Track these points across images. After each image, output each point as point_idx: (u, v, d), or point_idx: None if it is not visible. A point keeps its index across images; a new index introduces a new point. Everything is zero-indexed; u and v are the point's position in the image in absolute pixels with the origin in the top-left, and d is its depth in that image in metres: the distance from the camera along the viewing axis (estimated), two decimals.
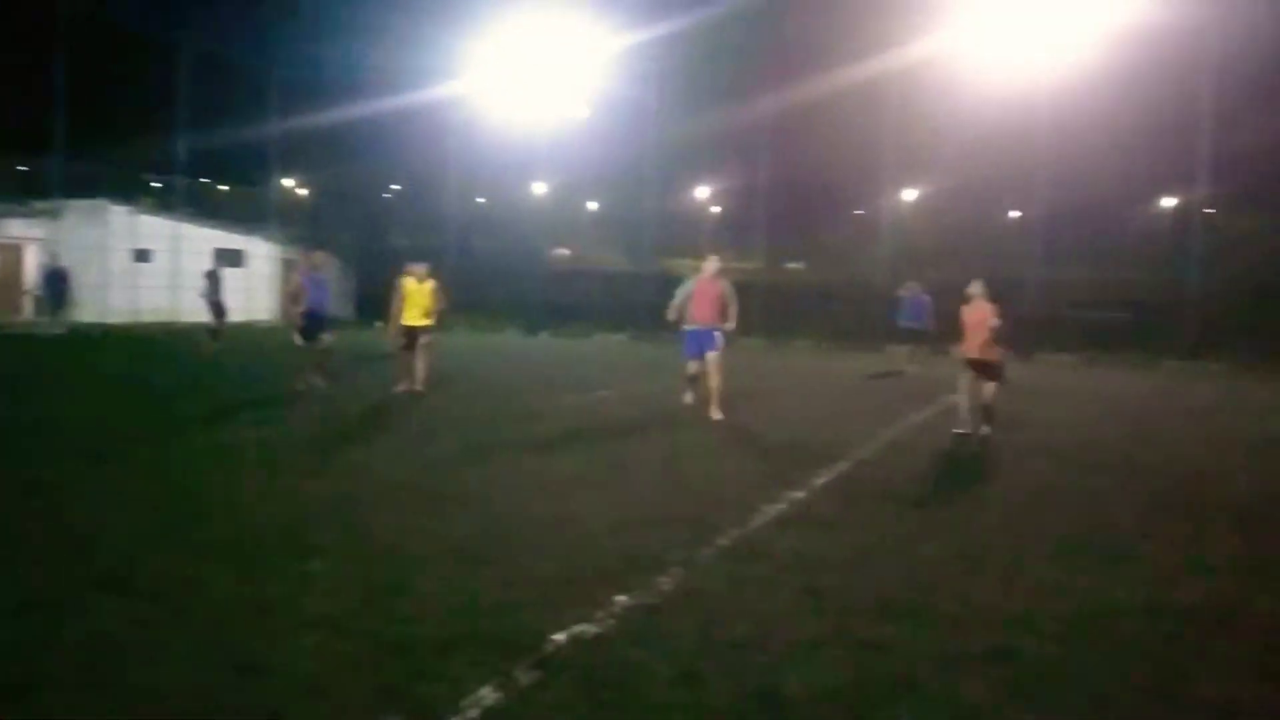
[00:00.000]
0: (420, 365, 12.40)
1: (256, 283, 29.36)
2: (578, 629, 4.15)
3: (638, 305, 26.32)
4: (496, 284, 30.74)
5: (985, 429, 10.13)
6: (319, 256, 14.05)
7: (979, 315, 10.28)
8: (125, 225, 27.31)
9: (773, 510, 6.47)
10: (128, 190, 29.52)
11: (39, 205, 26.42)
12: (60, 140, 26.13)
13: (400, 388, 12.36)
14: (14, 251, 27.32)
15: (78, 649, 3.82)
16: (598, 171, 41.27)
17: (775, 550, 5.52)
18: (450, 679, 3.63)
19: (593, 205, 52.75)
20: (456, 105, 31.89)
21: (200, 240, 27.36)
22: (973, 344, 10.33)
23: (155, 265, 27.40)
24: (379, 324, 20.35)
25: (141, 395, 12.64)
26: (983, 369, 10.32)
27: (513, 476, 7.48)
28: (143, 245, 27.41)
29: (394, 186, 49.79)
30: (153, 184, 33.94)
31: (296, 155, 36.14)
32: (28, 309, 25.69)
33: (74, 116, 26.52)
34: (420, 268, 12.88)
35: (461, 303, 28.83)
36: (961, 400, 10.47)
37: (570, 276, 35.63)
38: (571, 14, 29.30)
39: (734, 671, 3.77)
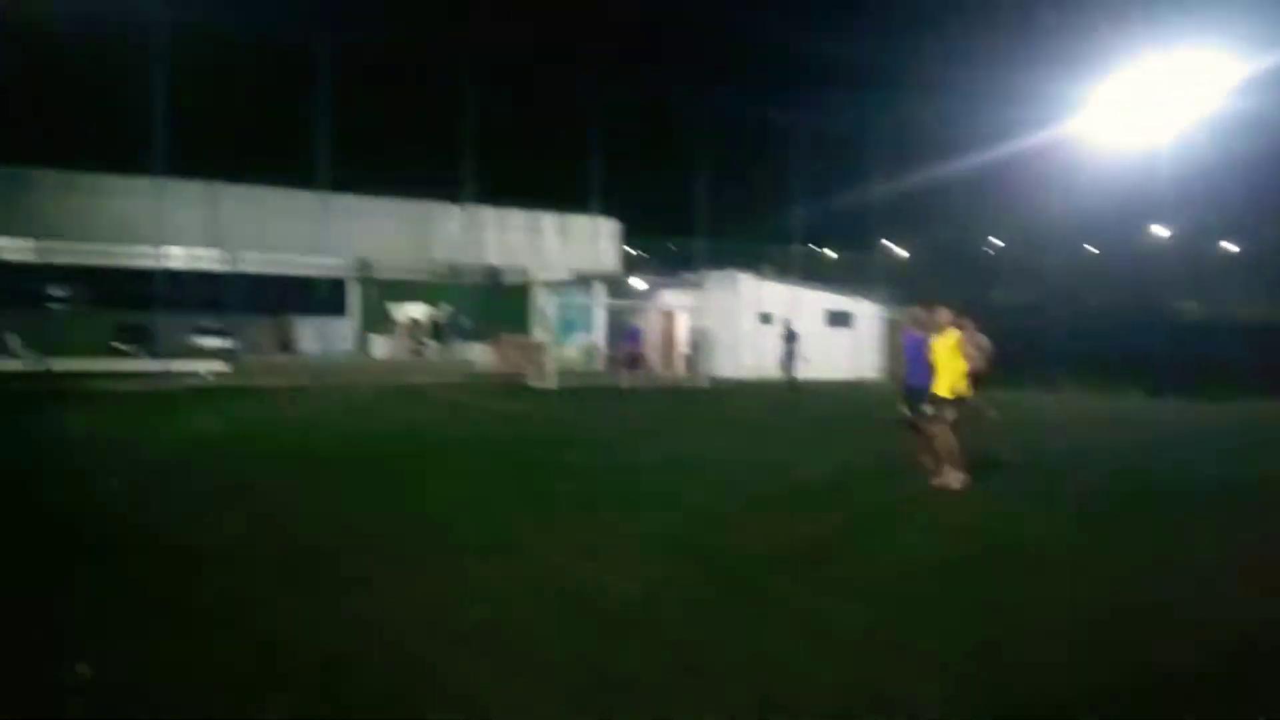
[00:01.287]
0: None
1: (864, 342, 31.14)
2: None
3: None
4: (1111, 340, 28.26)
5: None
6: (918, 313, 13.93)
7: None
8: (751, 291, 31.23)
9: None
10: (753, 260, 33.79)
11: (687, 277, 31.63)
12: (701, 222, 30.98)
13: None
14: (669, 318, 33.09)
15: None
16: (1237, 209, 35.68)
17: None
18: None
19: (1230, 247, 45.53)
20: (1060, 149, 30.38)
21: (812, 303, 30.02)
22: None
23: (776, 327, 30.83)
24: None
25: (765, 432, 14.25)
26: None
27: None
28: (765, 309, 31.03)
29: (995, 240, 48.93)
30: (772, 253, 38.27)
31: (897, 217, 37.77)
32: (679, 367, 30.77)
33: (711, 199, 31.31)
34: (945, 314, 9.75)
35: (1072, 360, 27.33)
36: None
37: (1202, 331, 31.16)
38: (1187, 30, 25.93)
39: None
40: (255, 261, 30.48)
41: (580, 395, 21.10)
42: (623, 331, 22.11)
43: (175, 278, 29.28)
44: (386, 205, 27.71)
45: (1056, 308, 28.74)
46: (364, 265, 34.26)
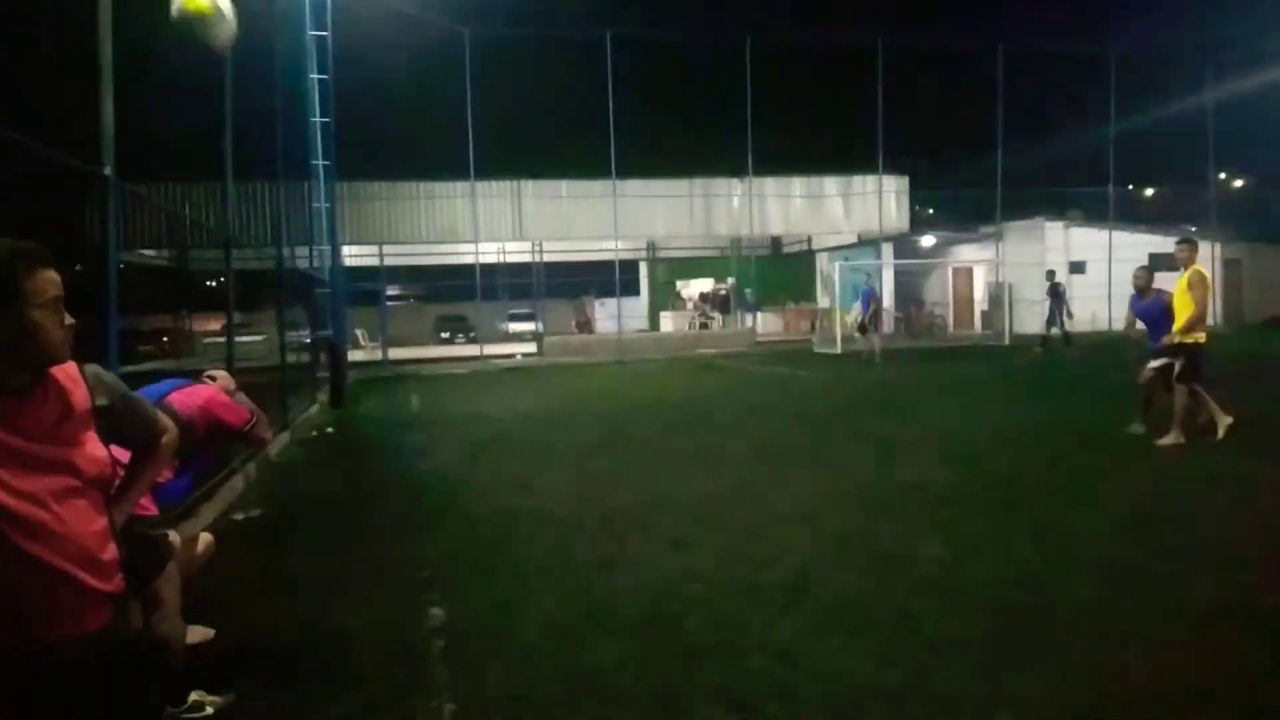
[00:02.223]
0: (1180, 402, 8.45)
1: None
2: None
3: None
4: None
5: None
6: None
7: None
8: (1059, 239, 28.69)
9: None
10: (1060, 206, 30.94)
11: (984, 230, 29.65)
12: (998, 170, 28.77)
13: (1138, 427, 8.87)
14: (965, 274, 31.24)
15: None
16: None
17: None
18: None
19: None
20: None
21: (1133, 247, 27.04)
22: None
23: (1089, 276, 28.08)
24: None
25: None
26: None
27: None
28: (1076, 257, 28.37)
29: None
30: (1081, 197, 34.85)
31: (1230, 145, 32.87)
32: (978, 323, 29.00)
33: (1009, 146, 28.98)
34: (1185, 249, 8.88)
35: None
36: None
37: None
38: None
39: None
40: (556, 250, 32.65)
41: (864, 359, 20.50)
42: (860, 293, 20.99)
43: (488, 270, 32.07)
44: (671, 186, 28.47)
45: None
46: (652, 246, 35.54)
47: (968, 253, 30.62)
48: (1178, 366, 8.48)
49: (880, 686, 3.65)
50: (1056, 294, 21.55)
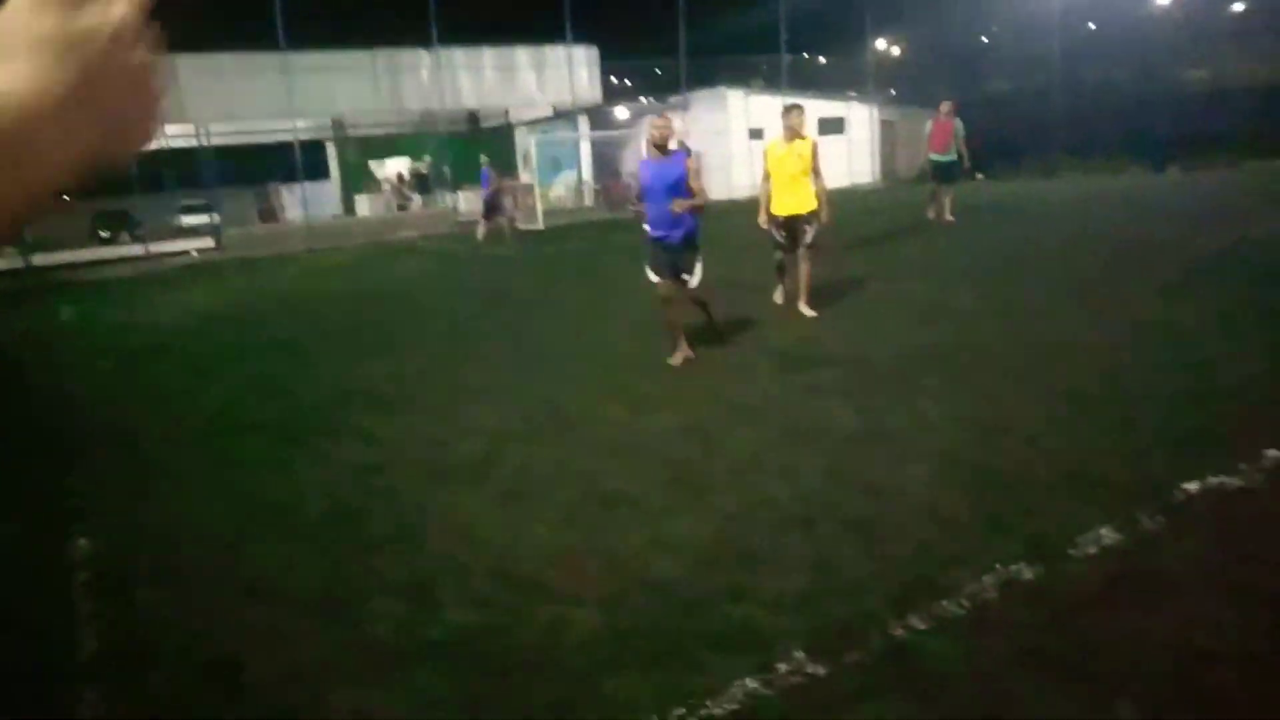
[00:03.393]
0: (803, 275, 8.10)
1: (857, 149, 30.29)
2: (1215, 480, 3.76)
3: None
4: (1112, 121, 27.32)
5: None
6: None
7: None
8: (740, 107, 30.13)
9: None
10: (740, 75, 32.39)
11: (671, 100, 30.48)
12: (683, 43, 29.46)
13: (776, 297, 8.52)
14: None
15: None
16: None
17: None
18: (1063, 517, 3.60)
19: (1238, 7, 43.25)
20: None
21: (808, 111, 29.00)
22: None
23: (768, 140, 29.92)
24: (979, 176, 19.70)
25: None
26: None
27: (1132, 323, 6.81)
28: (755, 124, 30.02)
29: (993, 29, 46.66)
30: (759, 64, 36.68)
31: (888, 16, 35.87)
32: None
33: (692, 19, 29.70)
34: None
35: (1072, 145, 26.47)
36: None
37: (1206, 100, 30.02)
38: None
39: None
40: (226, 133, 29.52)
41: (567, 234, 20.73)
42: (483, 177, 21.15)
43: (149, 158, 28.41)
44: (353, 58, 26.43)
45: (1056, 92, 27.61)
46: (338, 124, 33.12)
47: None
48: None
49: (554, 547, 3.75)
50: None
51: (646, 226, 6.63)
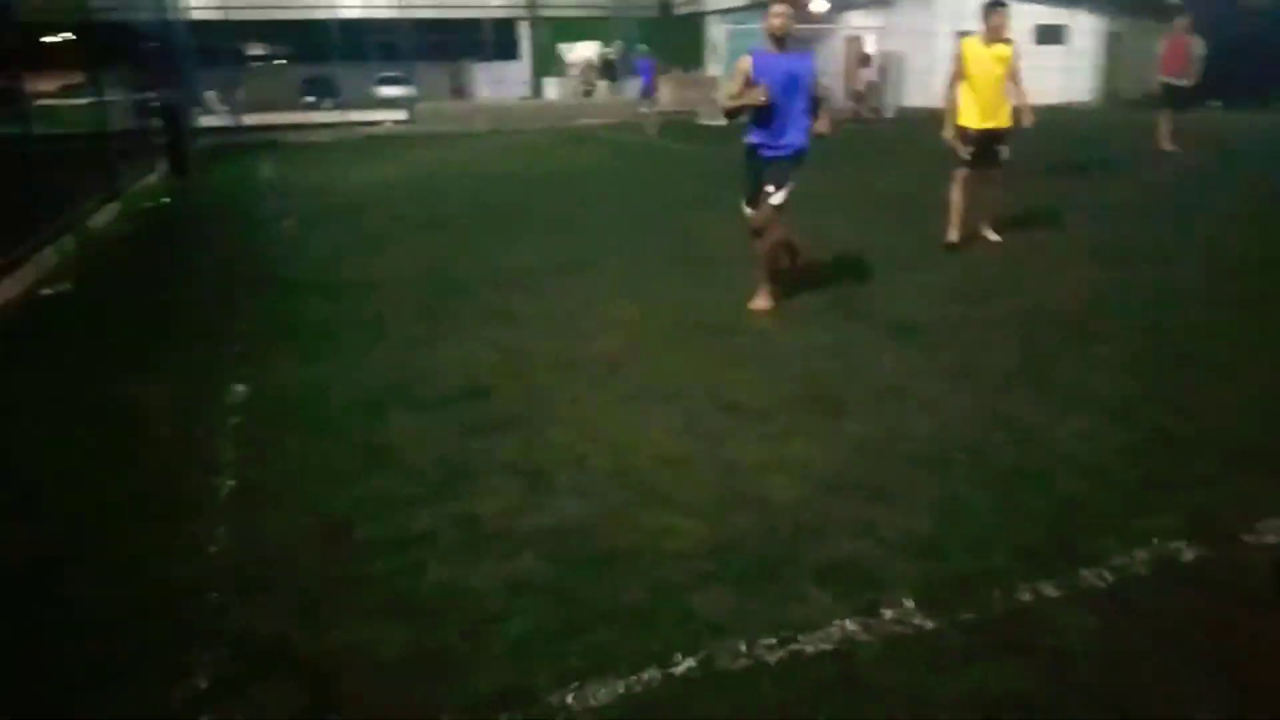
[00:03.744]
0: (991, 197, 7.36)
1: (1077, 62, 27.59)
2: None
3: None
4: None
5: None
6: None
7: None
8: (949, 6, 27.90)
9: None
10: None
11: None
12: None
13: (951, 236, 7.25)
14: (857, 43, 30.35)
15: None
16: None
17: None
18: (1244, 493, 3.17)
19: None
20: None
21: (1020, 17, 26.54)
22: None
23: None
24: (1216, 103, 17.56)
25: None
26: None
27: None
28: (965, 26, 27.82)
29: None
30: None
31: None
32: (865, 98, 28.56)
33: None
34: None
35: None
36: None
37: None
38: None
39: None
40: (426, 5, 30.10)
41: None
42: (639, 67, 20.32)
43: (353, 29, 29.45)
44: None
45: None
46: (532, 4, 33.15)
47: (858, 19, 29.60)
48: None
49: (670, 455, 3.65)
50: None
51: (749, 138, 5.56)
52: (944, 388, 4.31)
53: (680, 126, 21.46)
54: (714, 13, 32.08)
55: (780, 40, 5.35)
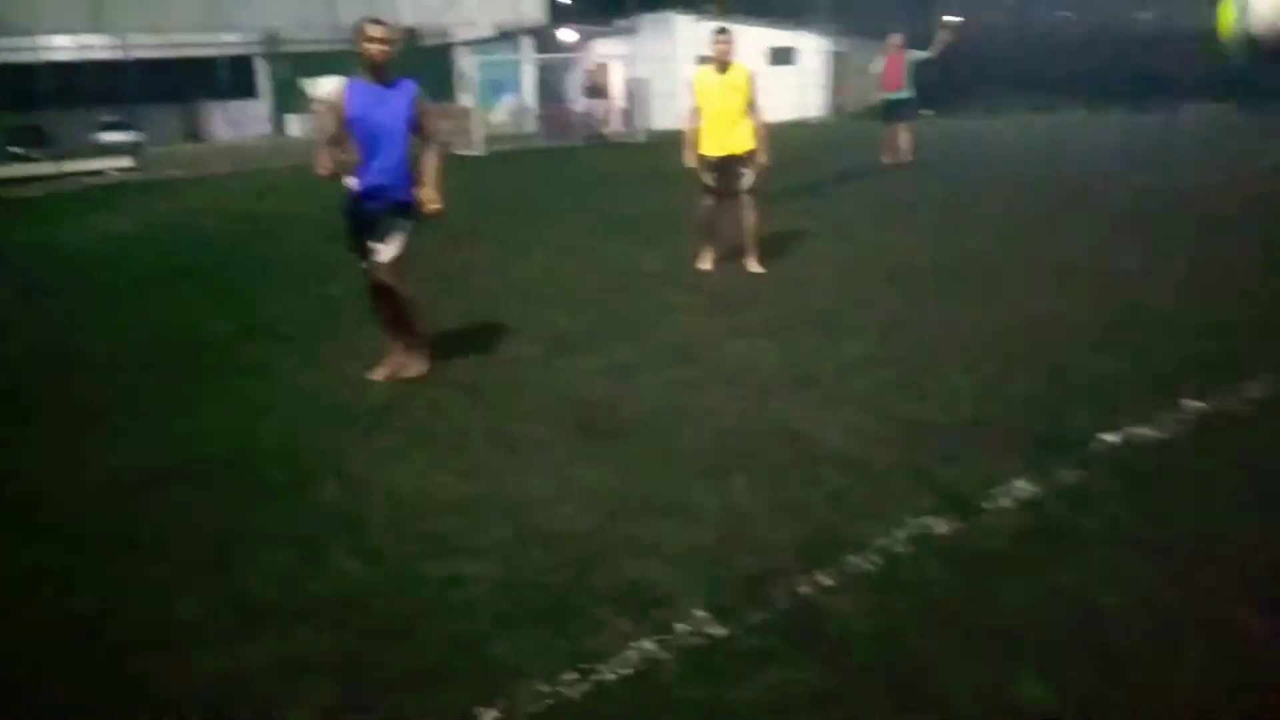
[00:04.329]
0: (746, 226, 7.19)
1: (807, 80, 29.81)
2: (1134, 431, 3.70)
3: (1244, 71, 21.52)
4: (1060, 60, 27.26)
5: None
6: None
7: None
8: (690, 34, 29.38)
9: None
10: (691, 0, 31.51)
11: (619, 23, 29.62)
12: None
13: (702, 263, 7.33)
14: (602, 70, 31.26)
15: None
16: None
17: None
18: (980, 467, 3.51)
19: None
20: None
21: (754, 41, 28.37)
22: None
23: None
24: (929, 112, 19.51)
25: None
26: None
27: (1063, 266, 6.76)
28: (705, 52, 29.39)
29: None
30: None
31: None
32: (614, 121, 29.43)
33: None
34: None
35: (1019, 82, 26.28)
36: None
37: (1155, 43, 30.08)
38: None
39: None
40: (149, 45, 27.98)
41: (505, 160, 20.17)
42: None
43: (66, 71, 26.90)
44: None
45: (1005, 29, 27.43)
46: (270, 39, 31.63)
47: (604, 47, 30.53)
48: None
49: (454, 497, 3.56)
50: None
51: (350, 185, 4.81)
52: (715, 399, 4.49)
53: None
54: (462, 44, 31.97)
55: (379, 69, 4.70)
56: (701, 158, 7.09)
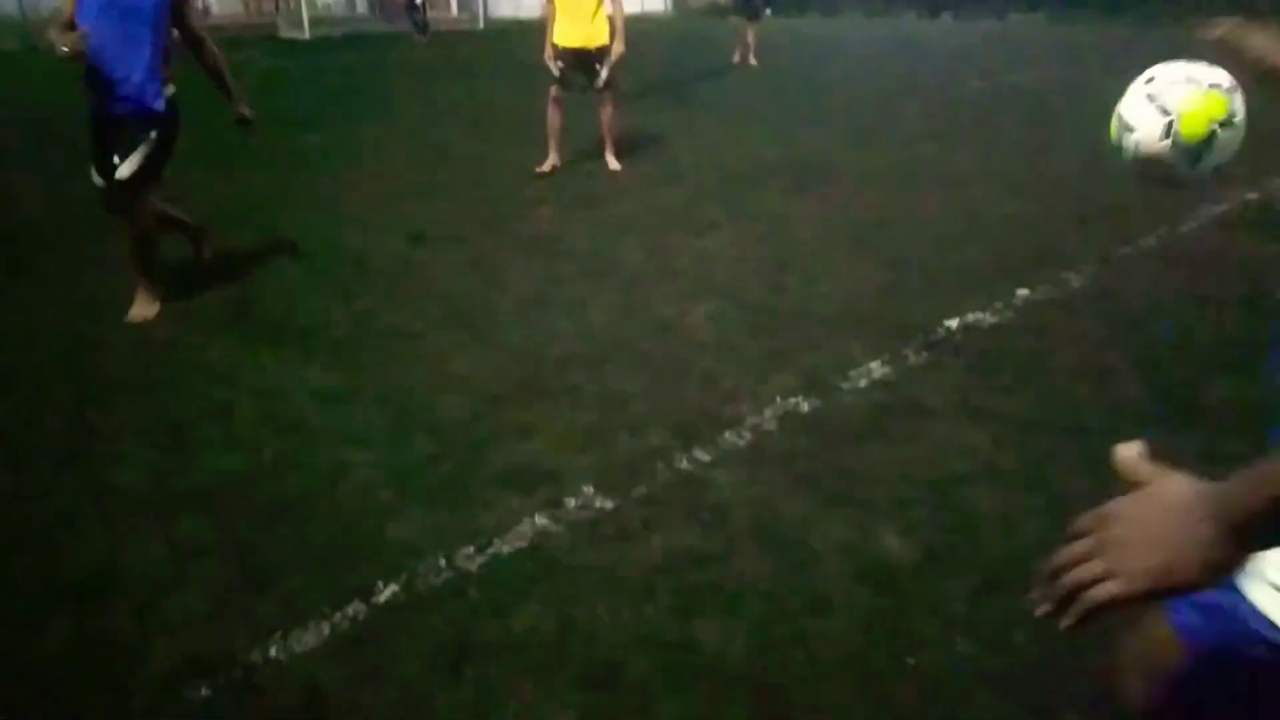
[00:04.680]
0: (604, 122, 7.10)
1: None
2: (972, 317, 4.05)
3: None
4: None
5: None
6: None
7: None
8: None
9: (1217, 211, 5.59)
10: None
11: None
12: None
13: (541, 167, 7.07)
14: None
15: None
16: None
17: (1210, 251, 4.85)
18: (838, 352, 3.76)
19: None
20: None
21: None
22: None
23: None
24: (768, 12, 19.57)
25: None
26: None
27: (906, 165, 7.15)
28: None
29: None
30: None
31: None
32: (455, 7, 28.05)
33: None
34: None
35: None
36: None
37: None
38: None
39: (1145, 370, 3.49)
40: None
41: (335, 46, 18.99)
42: None
43: None
44: None
45: None
46: None
47: None
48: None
49: (327, 388, 3.51)
50: None
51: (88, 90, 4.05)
52: (582, 291, 4.55)
53: (259, 42, 19.69)
54: None
55: None
56: (553, 47, 6.84)
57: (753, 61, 13.72)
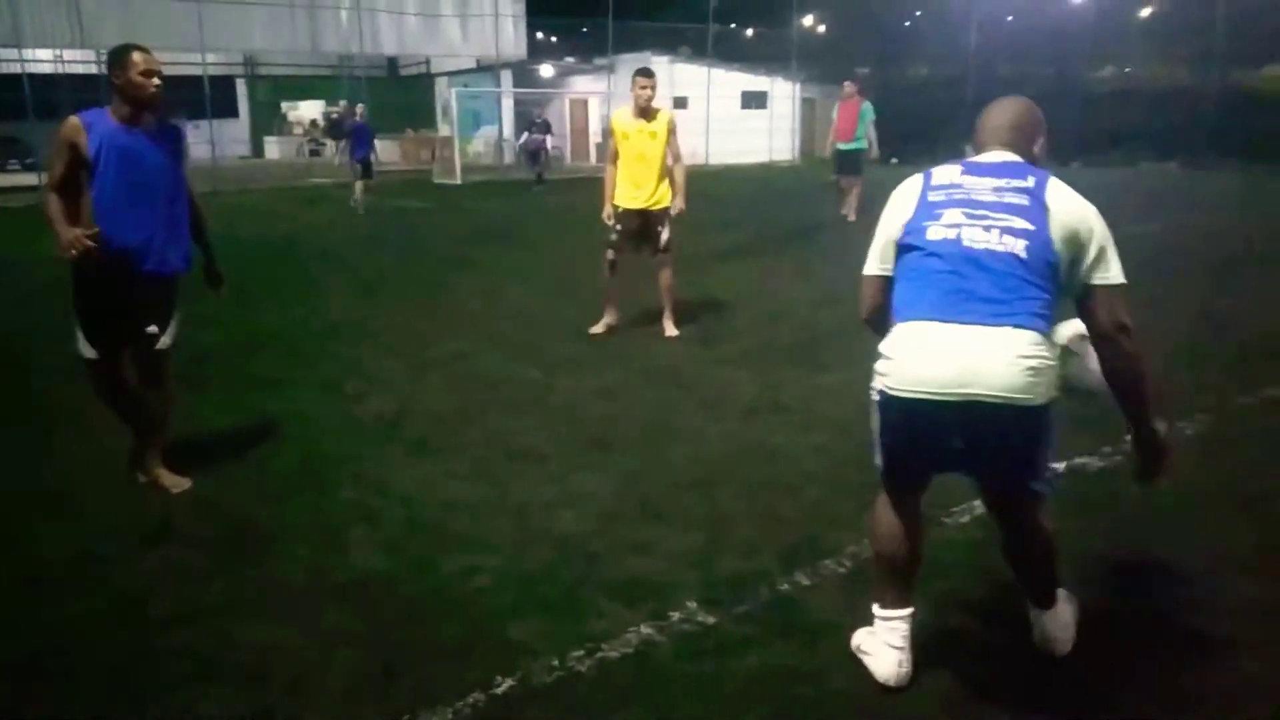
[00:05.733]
0: (663, 286, 6.66)
1: (778, 124, 30.61)
2: (1080, 460, 4.10)
3: (1195, 129, 22.62)
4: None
5: None
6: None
7: None
8: (666, 75, 30.08)
9: None
10: (670, 41, 32.30)
11: (598, 61, 30.27)
12: (610, 4, 29.22)
13: (596, 328, 6.70)
14: (581, 105, 31.91)
15: None
16: None
17: None
18: (940, 488, 3.87)
19: (1145, 12, 44.94)
20: None
21: (728, 85, 29.14)
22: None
23: (691, 111, 29.99)
24: (893, 160, 20.18)
25: None
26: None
27: None
28: (680, 93, 30.03)
29: (917, 13, 47.54)
30: (688, 34, 36.60)
31: None
32: (594, 156, 29.96)
33: None
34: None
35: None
36: None
37: (1113, 98, 31.27)
38: None
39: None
40: None
41: (486, 190, 20.55)
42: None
43: (46, 83, 26.91)
44: None
45: (970, 81, 28.39)
46: (250, 61, 31.91)
47: (583, 84, 31.18)
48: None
49: (464, 499, 3.87)
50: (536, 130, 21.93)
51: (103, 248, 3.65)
52: (698, 421, 4.84)
53: (416, 185, 21.58)
54: (442, 74, 32.46)
55: (140, 106, 3.74)
56: (613, 208, 6.51)
57: (851, 218, 12.45)
